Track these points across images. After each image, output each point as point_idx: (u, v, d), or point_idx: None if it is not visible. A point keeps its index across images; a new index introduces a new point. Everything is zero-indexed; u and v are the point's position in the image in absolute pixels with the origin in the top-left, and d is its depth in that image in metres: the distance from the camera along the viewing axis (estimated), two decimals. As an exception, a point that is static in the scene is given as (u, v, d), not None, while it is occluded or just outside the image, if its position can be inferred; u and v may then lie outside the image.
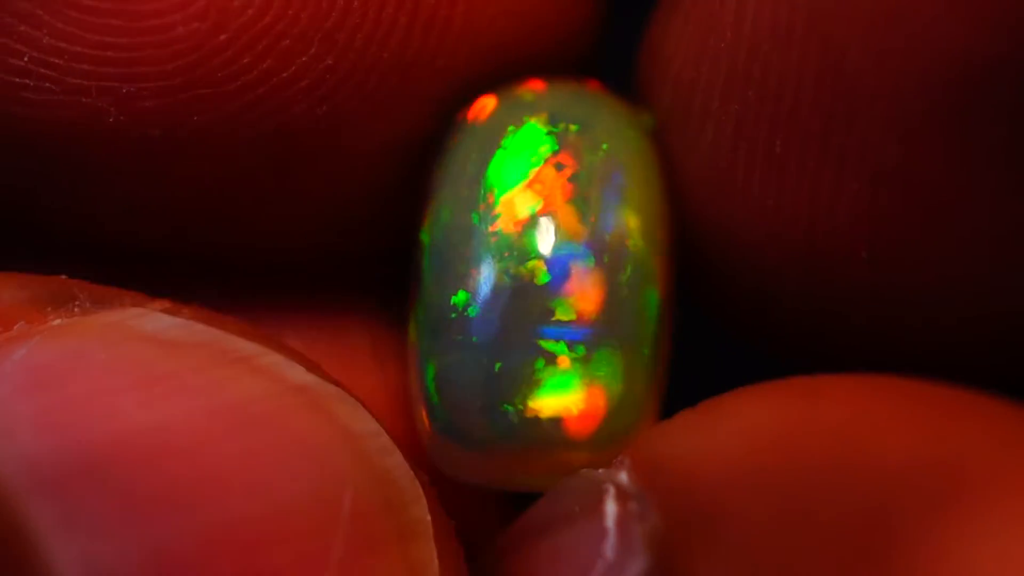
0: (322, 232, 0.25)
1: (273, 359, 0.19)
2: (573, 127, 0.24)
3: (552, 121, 0.24)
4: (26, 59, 0.23)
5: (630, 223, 0.24)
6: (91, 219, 0.24)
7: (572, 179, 0.24)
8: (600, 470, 0.21)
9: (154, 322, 0.19)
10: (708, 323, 0.26)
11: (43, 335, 0.18)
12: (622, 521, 0.20)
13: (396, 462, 0.19)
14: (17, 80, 0.23)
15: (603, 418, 0.23)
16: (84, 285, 0.19)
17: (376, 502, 0.19)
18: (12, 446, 0.18)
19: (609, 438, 0.23)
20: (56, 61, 0.23)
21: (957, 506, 0.18)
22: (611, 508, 0.20)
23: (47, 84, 0.23)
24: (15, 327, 0.18)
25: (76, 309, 0.19)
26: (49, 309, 0.19)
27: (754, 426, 0.20)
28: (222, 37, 0.23)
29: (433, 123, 0.25)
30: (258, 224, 0.25)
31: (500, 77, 0.25)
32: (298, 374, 0.19)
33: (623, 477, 0.21)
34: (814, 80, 0.22)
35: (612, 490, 0.21)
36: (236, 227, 0.25)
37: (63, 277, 0.19)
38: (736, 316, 0.25)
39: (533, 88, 0.25)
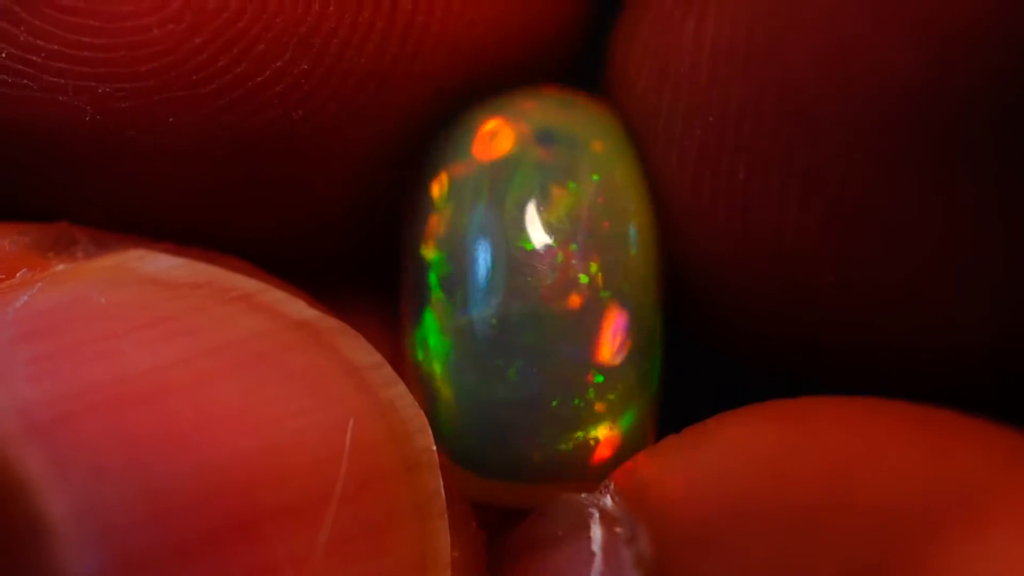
0: (299, 236, 0.25)
1: (273, 295, 0.19)
2: (576, 146, 0.24)
3: (555, 142, 0.25)
4: (4, 55, 0.23)
5: (640, 243, 0.24)
6: (68, 218, 0.24)
7: (584, 201, 0.24)
8: (583, 495, 0.21)
9: (155, 263, 0.18)
10: (685, 337, 0.26)
11: (45, 281, 0.18)
12: (608, 545, 0.20)
13: (399, 393, 0.19)
14: None
15: (618, 449, 0.23)
16: (86, 230, 0.19)
17: (380, 433, 0.18)
18: (8, 394, 0.17)
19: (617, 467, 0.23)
20: (33, 59, 0.23)
21: (957, 528, 0.18)
22: (597, 532, 0.20)
23: (24, 81, 0.23)
24: (17, 274, 0.18)
25: (79, 254, 0.19)
26: (51, 254, 0.19)
27: (742, 450, 0.20)
28: (197, 40, 0.23)
29: (411, 129, 0.25)
30: (235, 227, 0.25)
31: (478, 83, 0.25)
32: (298, 309, 0.19)
33: (607, 502, 0.21)
34: (773, 107, 0.22)
35: (597, 514, 0.20)
36: (213, 229, 0.25)
37: (65, 223, 0.19)
38: (710, 332, 0.25)
39: (529, 105, 0.25)
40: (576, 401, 0.22)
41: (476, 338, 0.23)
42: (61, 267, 0.18)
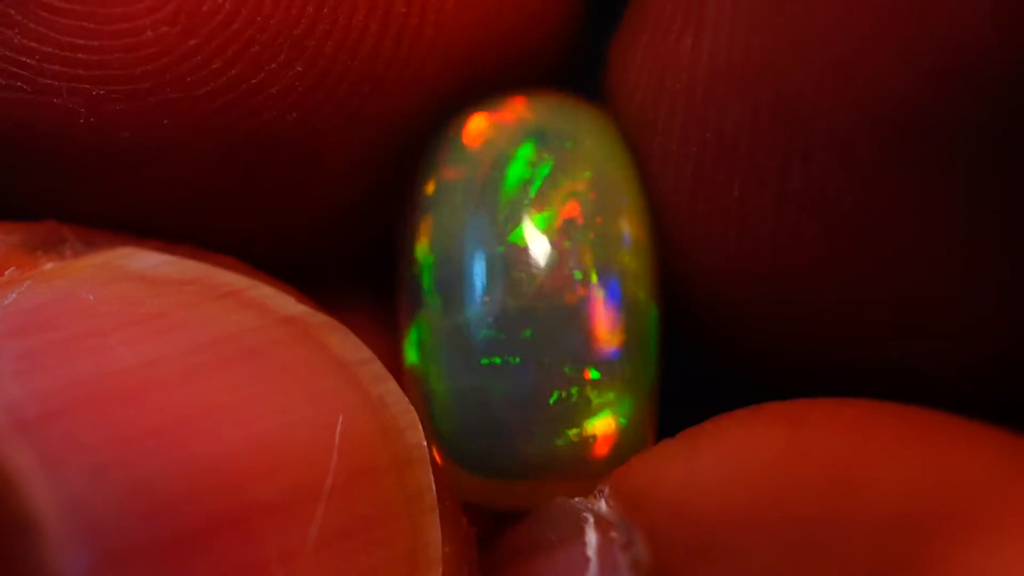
0: (293, 238, 0.25)
1: (262, 291, 0.19)
2: (568, 144, 0.24)
3: (547, 140, 0.25)
4: None
5: (634, 239, 0.24)
6: (62, 218, 0.24)
7: (577, 199, 0.24)
8: (577, 499, 0.21)
9: (143, 260, 0.18)
10: (684, 348, 0.26)
11: (33, 279, 0.18)
12: (604, 550, 0.20)
13: (389, 389, 0.19)
14: None
15: (616, 446, 0.23)
16: (74, 228, 0.19)
17: (370, 428, 0.18)
18: (1, 391, 0.17)
19: (616, 465, 0.23)
20: (27, 61, 0.23)
21: (958, 534, 0.18)
22: (592, 537, 0.20)
23: (18, 83, 0.23)
24: (5, 273, 0.18)
25: (67, 252, 0.19)
26: (40, 253, 0.19)
27: (739, 455, 0.20)
28: (191, 42, 0.23)
29: (404, 131, 0.25)
30: (228, 228, 0.25)
31: (472, 86, 0.25)
32: (287, 305, 0.19)
33: (602, 506, 0.21)
34: (768, 123, 0.22)
35: (592, 519, 0.20)
36: (206, 231, 0.25)
37: (53, 222, 0.19)
38: (708, 344, 0.25)
39: (521, 105, 0.25)
40: (572, 397, 0.22)
41: (471, 336, 0.23)
42: (49, 265, 0.18)
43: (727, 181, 0.23)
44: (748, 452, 0.20)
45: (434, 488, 0.19)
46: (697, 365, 0.26)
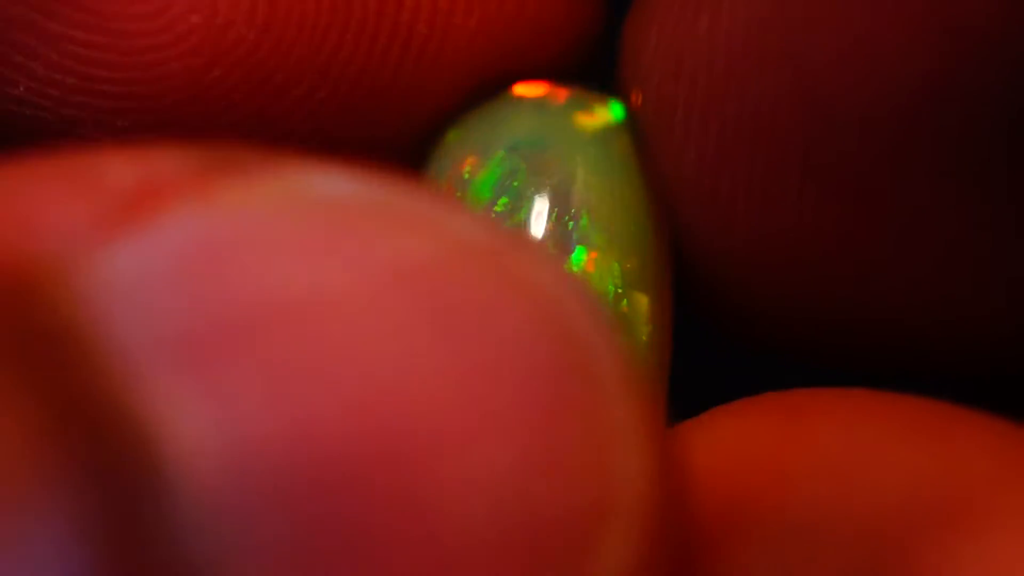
0: None
1: (448, 216, 0.17)
2: (536, 151, 0.25)
3: (516, 148, 0.25)
4: (22, 88, 0.23)
5: (639, 230, 0.24)
6: None
7: (541, 204, 0.24)
8: None
9: (324, 184, 0.17)
10: (701, 328, 0.26)
11: (207, 205, 0.17)
12: None
13: (587, 322, 0.17)
14: (14, 109, 0.23)
15: None
16: (251, 152, 0.17)
17: (563, 370, 0.17)
18: (161, 321, 0.16)
19: None
20: (52, 92, 0.23)
21: (956, 528, 0.18)
22: None
23: (43, 114, 0.23)
24: (179, 197, 0.17)
25: (242, 176, 0.17)
26: (215, 176, 0.17)
27: (736, 447, 0.20)
28: (216, 72, 0.23)
29: (420, 148, 0.25)
30: None
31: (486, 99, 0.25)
32: (476, 232, 0.17)
33: None
34: (789, 101, 0.23)
35: None
36: None
37: (231, 145, 0.18)
38: (725, 326, 0.25)
39: (498, 111, 0.25)
40: None
41: None
42: (222, 192, 0.17)
43: (750, 159, 0.23)
44: (744, 445, 0.20)
45: (635, 424, 0.17)
46: (712, 351, 0.26)
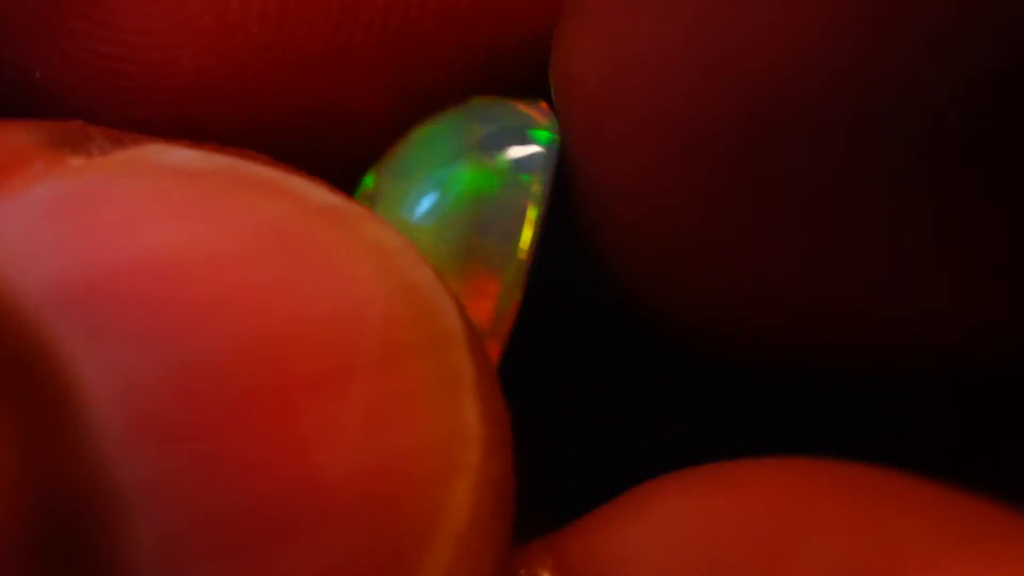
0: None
1: (296, 183, 0.18)
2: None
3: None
4: (38, 75, 0.24)
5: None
6: None
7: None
8: (522, 571, 0.21)
9: (175, 155, 0.18)
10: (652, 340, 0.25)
11: (63, 171, 0.18)
12: None
13: (425, 274, 0.18)
14: (32, 97, 0.24)
15: None
16: (101, 128, 0.19)
17: (405, 312, 0.18)
18: (40, 266, 0.17)
19: None
20: (69, 81, 0.24)
21: None
22: None
23: (61, 103, 0.24)
24: (34, 167, 0.18)
25: (94, 150, 0.19)
26: (66, 150, 0.18)
27: (675, 520, 0.20)
28: (228, 68, 0.24)
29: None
30: None
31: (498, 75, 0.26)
32: (321, 195, 0.18)
33: None
34: (736, 106, 0.22)
35: None
36: None
37: (80, 121, 0.19)
38: (669, 333, 0.25)
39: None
40: None
41: None
42: (77, 161, 0.18)
43: (689, 165, 0.22)
44: (684, 522, 0.20)
45: (472, 369, 0.18)
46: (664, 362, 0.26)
